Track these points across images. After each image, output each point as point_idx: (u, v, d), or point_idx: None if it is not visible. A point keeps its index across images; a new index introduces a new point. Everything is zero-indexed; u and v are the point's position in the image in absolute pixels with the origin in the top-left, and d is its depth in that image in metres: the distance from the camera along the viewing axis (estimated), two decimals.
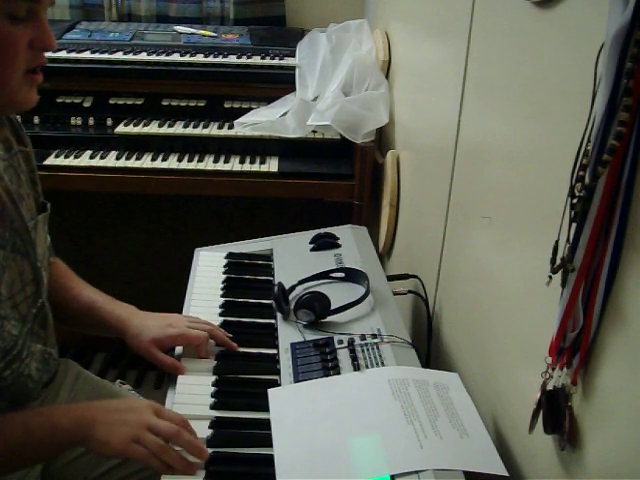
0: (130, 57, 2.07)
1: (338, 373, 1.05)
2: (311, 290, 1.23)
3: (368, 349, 1.10)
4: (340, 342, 1.12)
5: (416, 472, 0.85)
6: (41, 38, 0.92)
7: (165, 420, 0.94)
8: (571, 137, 0.70)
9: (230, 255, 1.45)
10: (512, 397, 0.98)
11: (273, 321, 1.22)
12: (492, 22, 1.08)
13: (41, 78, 0.96)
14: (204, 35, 2.26)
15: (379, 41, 1.99)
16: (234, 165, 1.93)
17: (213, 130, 2.00)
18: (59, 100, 2.04)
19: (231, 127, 2.01)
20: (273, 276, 1.37)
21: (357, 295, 1.21)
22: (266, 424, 0.97)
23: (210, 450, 0.94)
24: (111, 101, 2.06)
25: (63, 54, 2.02)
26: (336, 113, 1.84)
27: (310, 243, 1.45)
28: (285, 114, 1.98)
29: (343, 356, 1.09)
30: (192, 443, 0.93)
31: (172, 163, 1.92)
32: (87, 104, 2.05)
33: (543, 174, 0.87)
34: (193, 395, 1.05)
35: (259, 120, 2.00)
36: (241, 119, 2.02)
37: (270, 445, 0.93)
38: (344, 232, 1.49)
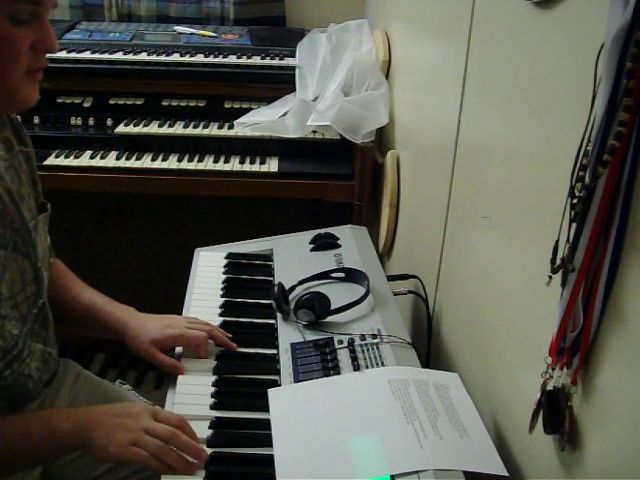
0: (130, 57, 2.07)
1: (338, 373, 1.05)
2: (311, 290, 1.23)
3: (368, 349, 1.10)
4: (340, 342, 1.12)
5: (416, 472, 0.85)
6: (43, 40, 0.92)
7: (163, 422, 0.95)
8: (571, 137, 0.70)
9: (230, 255, 1.45)
10: (512, 397, 0.98)
11: (273, 321, 1.22)
12: (492, 22, 1.08)
13: (41, 76, 0.96)
14: (204, 35, 2.26)
15: (379, 41, 1.99)
16: (234, 165, 1.93)
17: (213, 130, 2.00)
18: (59, 100, 2.04)
19: (231, 127, 2.01)
20: (273, 276, 1.37)
21: (357, 295, 1.21)
22: (266, 424, 0.97)
23: (210, 450, 0.94)
24: (111, 101, 2.06)
25: (63, 54, 2.03)
26: (336, 113, 1.84)
27: (310, 243, 1.45)
28: (285, 114, 1.98)
29: (343, 356, 1.09)
30: (190, 445, 0.93)
31: (172, 163, 1.92)
32: (87, 104, 2.05)
33: (543, 174, 0.87)
34: (193, 395, 1.05)
35: (259, 120, 2.00)
36: (241, 119, 2.02)
37: (270, 445, 0.93)
38: (344, 232, 1.49)
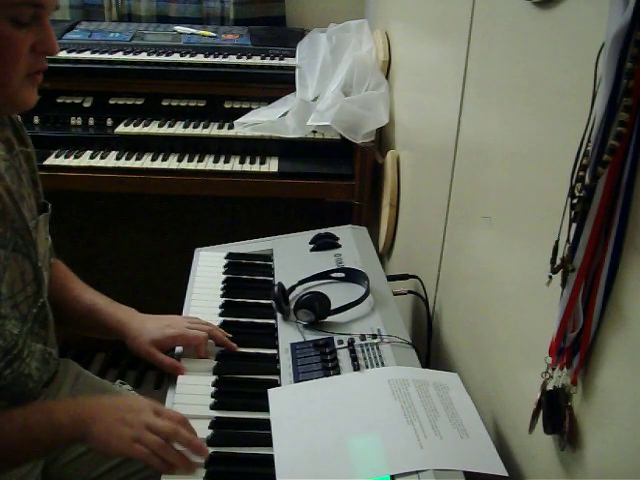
0: (130, 57, 2.07)
1: (338, 373, 1.05)
2: (311, 290, 1.23)
3: (368, 349, 1.10)
4: (340, 342, 1.12)
5: (416, 472, 0.85)
6: (44, 42, 0.92)
7: (164, 419, 0.94)
8: (571, 137, 0.70)
9: (230, 255, 1.45)
10: (512, 397, 0.98)
11: (273, 321, 1.22)
12: (492, 22, 1.08)
13: (41, 78, 0.96)
14: (204, 35, 2.26)
15: (379, 41, 1.99)
16: (234, 165, 1.93)
17: (213, 130, 2.00)
18: (59, 100, 2.04)
19: (231, 127, 2.01)
20: (273, 276, 1.37)
21: (357, 295, 1.21)
22: (266, 424, 0.97)
23: (210, 450, 0.94)
24: (111, 101, 2.06)
25: (63, 54, 2.03)
26: (336, 113, 1.84)
27: (310, 243, 1.45)
28: (285, 114, 1.98)
29: (343, 356, 1.09)
30: (192, 441, 0.93)
31: (172, 163, 1.92)
32: (87, 104, 2.05)
33: (543, 174, 0.87)
34: (193, 395, 1.05)
35: (259, 120, 2.00)
36: (241, 119, 2.02)
37: (270, 445, 0.93)
38: (344, 232, 1.49)
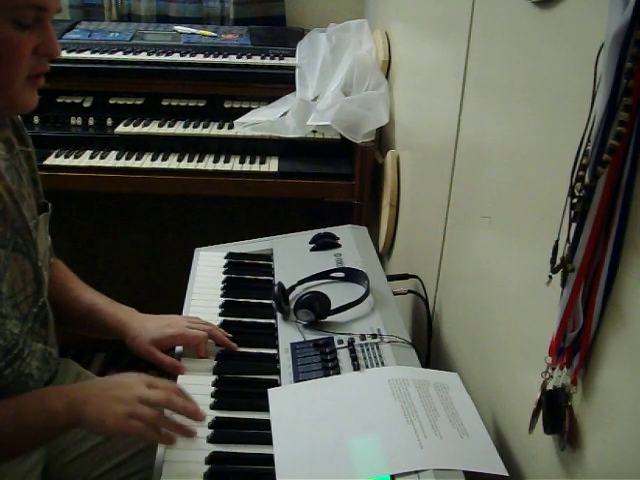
0: (130, 57, 2.07)
1: (338, 373, 1.05)
2: (311, 290, 1.23)
3: (368, 349, 1.10)
4: (340, 342, 1.12)
5: (416, 472, 0.85)
6: (46, 45, 0.92)
7: (157, 390, 0.95)
8: (571, 137, 0.70)
9: (230, 255, 1.45)
10: (512, 397, 0.98)
11: (273, 321, 1.22)
12: (492, 22, 1.08)
13: (43, 82, 0.96)
14: (204, 35, 2.26)
15: (379, 41, 1.99)
16: (234, 165, 1.93)
17: (213, 130, 2.00)
18: (59, 100, 2.04)
19: (231, 127, 2.01)
20: (273, 276, 1.37)
21: (357, 295, 1.21)
22: (266, 424, 0.97)
23: (210, 449, 0.94)
24: (111, 101, 2.06)
25: (63, 54, 2.02)
26: (336, 113, 1.84)
27: (310, 243, 1.45)
28: (285, 114, 1.98)
29: (343, 356, 1.09)
30: (187, 407, 0.93)
31: (172, 163, 1.92)
32: (87, 104, 2.05)
33: (543, 174, 0.87)
34: (193, 395, 1.05)
35: (259, 120, 2.00)
36: (241, 119, 2.02)
37: (270, 444, 0.93)
38: (344, 232, 1.49)
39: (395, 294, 1.31)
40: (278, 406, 1.00)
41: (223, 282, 1.35)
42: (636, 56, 0.58)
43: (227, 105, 2.09)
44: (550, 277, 0.72)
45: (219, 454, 0.93)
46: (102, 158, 1.93)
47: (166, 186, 1.91)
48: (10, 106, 0.95)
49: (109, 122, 2.03)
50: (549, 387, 0.77)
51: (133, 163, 1.91)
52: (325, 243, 1.44)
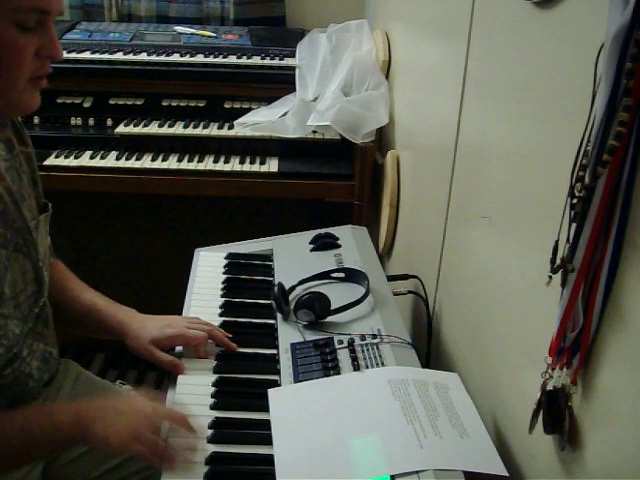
0: (130, 57, 2.07)
1: (338, 373, 1.05)
2: (311, 290, 1.23)
3: (368, 349, 1.10)
4: (340, 342, 1.12)
5: (416, 472, 0.85)
6: (48, 47, 0.92)
7: (163, 418, 0.95)
8: (571, 137, 0.70)
9: (230, 255, 1.45)
10: (512, 397, 0.98)
11: (273, 321, 1.22)
12: (492, 22, 1.08)
13: (45, 84, 0.96)
14: (204, 35, 2.26)
15: (379, 41, 1.99)
16: (234, 165, 1.93)
17: (213, 130, 2.00)
18: (59, 100, 2.04)
19: (231, 127, 2.01)
20: (273, 276, 1.37)
21: (357, 295, 1.21)
22: (266, 424, 0.97)
23: (210, 449, 0.94)
24: (111, 101, 2.06)
25: (63, 54, 2.02)
26: (336, 113, 1.84)
27: (310, 243, 1.45)
28: (285, 114, 1.98)
29: (343, 356, 1.09)
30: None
31: (172, 163, 1.92)
32: (87, 104, 2.05)
33: (543, 174, 0.87)
34: (193, 395, 1.05)
35: (259, 120, 2.00)
36: (241, 119, 2.02)
37: (270, 445, 0.93)
38: (344, 232, 1.49)
39: (395, 294, 1.31)
40: (278, 406, 1.00)
41: (223, 282, 1.35)
42: (636, 56, 0.58)
43: (227, 105, 2.09)
44: (550, 277, 0.72)
45: (219, 454, 0.93)
46: (102, 158, 1.93)
47: (166, 186, 1.91)
48: (12, 107, 0.96)
49: (109, 122, 2.03)
50: (549, 387, 0.77)
51: (133, 163, 1.91)
52: (325, 243, 1.44)
